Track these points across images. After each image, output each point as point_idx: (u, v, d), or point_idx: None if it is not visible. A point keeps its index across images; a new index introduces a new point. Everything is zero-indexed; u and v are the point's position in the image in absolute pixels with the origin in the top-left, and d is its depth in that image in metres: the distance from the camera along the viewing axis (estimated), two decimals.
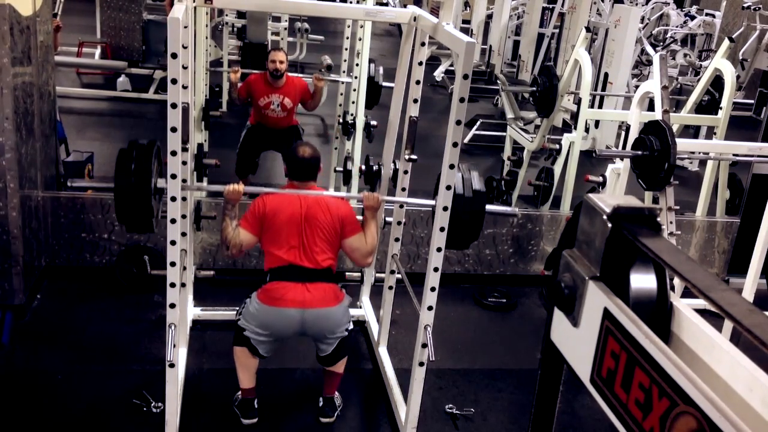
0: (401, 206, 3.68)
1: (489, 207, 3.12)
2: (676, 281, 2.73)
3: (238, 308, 3.26)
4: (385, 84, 5.34)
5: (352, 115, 5.40)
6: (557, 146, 5.71)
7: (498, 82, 8.57)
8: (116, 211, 2.93)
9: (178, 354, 3.21)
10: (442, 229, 2.89)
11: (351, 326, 3.25)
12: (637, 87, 5.40)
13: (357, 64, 5.25)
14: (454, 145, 2.74)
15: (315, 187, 3.24)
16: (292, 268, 3.07)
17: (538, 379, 1.16)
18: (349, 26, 5.58)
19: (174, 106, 2.57)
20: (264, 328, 3.11)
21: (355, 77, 5.32)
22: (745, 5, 10.20)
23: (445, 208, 2.85)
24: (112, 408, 3.35)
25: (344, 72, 5.96)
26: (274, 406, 3.44)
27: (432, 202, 3.02)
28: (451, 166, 2.78)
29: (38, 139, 4.11)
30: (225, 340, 3.90)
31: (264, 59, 5.40)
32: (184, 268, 3.41)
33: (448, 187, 2.82)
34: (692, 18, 11.52)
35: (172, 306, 2.76)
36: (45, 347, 3.76)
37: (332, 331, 3.14)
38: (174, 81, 2.55)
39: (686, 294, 3.81)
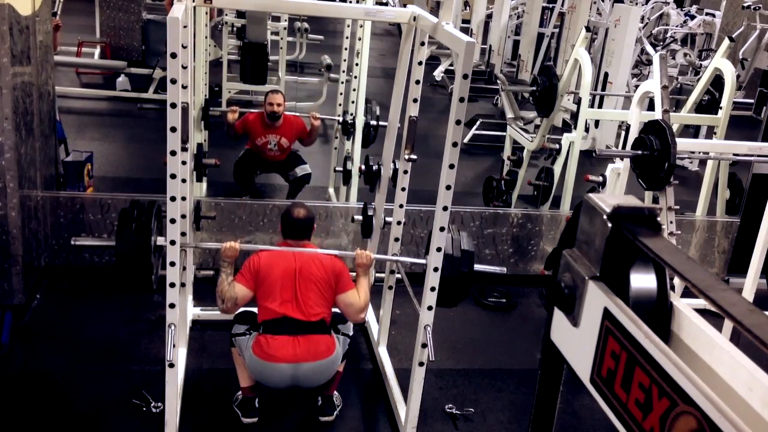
0: (401, 206, 3.68)
1: (478, 267, 3.17)
2: (676, 281, 2.73)
3: (232, 330, 3.28)
4: (382, 123, 5.29)
5: (351, 114, 5.39)
6: (557, 146, 5.71)
7: (498, 81, 8.57)
8: (116, 270, 2.97)
9: (178, 354, 3.21)
10: (442, 229, 2.88)
11: (351, 331, 3.33)
12: (637, 87, 5.40)
13: (357, 64, 5.24)
14: (454, 144, 2.74)
15: (309, 244, 3.30)
16: (284, 321, 3.10)
17: (538, 379, 1.16)
18: (348, 26, 5.57)
19: (174, 105, 2.57)
20: (257, 378, 3.19)
21: (355, 77, 5.31)
22: (745, 5, 10.19)
23: (444, 208, 2.85)
24: (112, 408, 3.35)
25: (344, 72, 5.95)
26: (274, 405, 3.44)
27: (423, 261, 3.10)
28: (451, 166, 2.78)
29: (37, 139, 4.11)
30: (224, 340, 3.90)
31: (264, 59, 5.42)
32: (184, 268, 3.42)
33: (448, 187, 2.82)
34: (692, 17, 11.52)
35: (172, 306, 2.76)
36: (44, 347, 3.76)
37: (326, 379, 3.23)
38: (173, 81, 2.55)
39: (686, 294, 3.81)
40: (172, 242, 2.71)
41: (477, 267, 3.16)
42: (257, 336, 3.14)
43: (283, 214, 3.33)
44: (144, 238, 2.92)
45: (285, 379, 3.11)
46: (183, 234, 3.16)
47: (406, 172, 3.55)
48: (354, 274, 3.31)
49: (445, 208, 2.85)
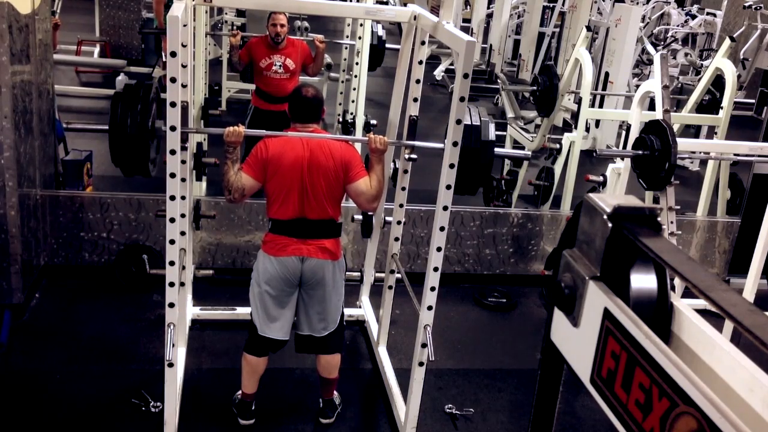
0: (401, 206, 3.68)
1: (498, 150, 3.05)
2: (677, 281, 2.73)
3: (250, 311, 3.23)
4: (389, 46, 5.29)
5: (351, 114, 5.39)
6: (558, 146, 5.71)
7: (498, 81, 8.56)
8: (111, 153, 2.86)
9: (177, 353, 3.20)
10: (441, 229, 2.88)
11: (342, 309, 3.24)
12: (637, 86, 5.40)
13: (357, 63, 5.24)
14: (454, 144, 2.73)
15: (318, 129, 3.15)
16: (294, 222, 3.04)
17: (538, 379, 1.15)
18: (349, 25, 5.57)
19: (173, 104, 2.57)
20: (270, 277, 3.08)
21: (355, 76, 5.31)
22: (747, 4, 10.19)
23: (444, 208, 2.85)
24: (111, 408, 3.34)
25: (344, 71, 5.95)
26: (274, 406, 3.44)
27: (441, 146, 2.91)
28: (451, 166, 2.77)
29: (37, 138, 4.10)
30: (224, 340, 3.91)
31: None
32: (183, 268, 3.41)
33: (449, 187, 2.82)
34: (693, 17, 11.52)
35: (171, 305, 2.76)
36: (43, 346, 3.75)
37: (324, 280, 3.11)
38: (173, 80, 2.55)
39: (687, 294, 3.80)
40: (172, 242, 2.70)
41: (498, 150, 3.04)
42: (267, 236, 3.11)
43: (291, 95, 3.17)
44: (141, 120, 2.76)
45: (295, 271, 3.06)
46: (183, 233, 3.15)
47: (406, 171, 3.55)
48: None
49: (445, 208, 2.85)
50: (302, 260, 3.07)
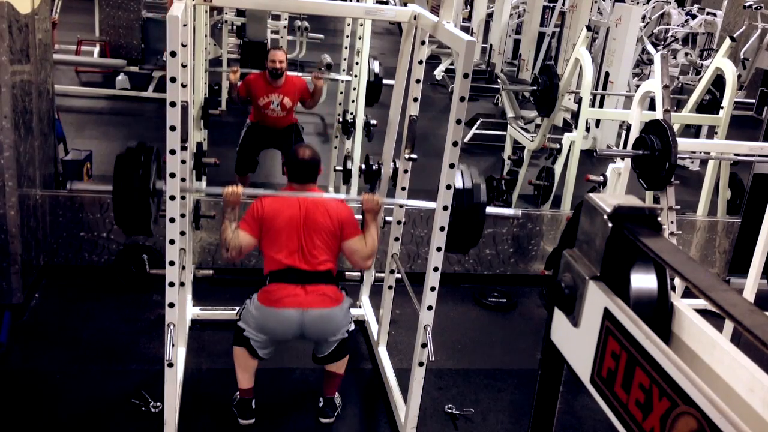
0: (401, 206, 3.67)
1: (490, 209, 3.09)
2: (677, 281, 2.72)
3: (238, 308, 3.25)
4: (385, 82, 5.33)
5: (351, 114, 5.39)
6: (558, 145, 5.71)
7: (498, 81, 8.56)
8: (114, 213, 2.91)
9: (177, 353, 3.19)
10: (442, 229, 2.88)
11: (351, 327, 3.24)
12: (638, 86, 5.39)
13: (357, 63, 5.24)
14: (455, 144, 2.73)
15: (315, 188, 3.22)
16: (291, 271, 3.05)
17: (538, 379, 1.15)
18: (349, 25, 5.57)
19: (173, 104, 2.57)
20: (263, 331, 3.10)
21: (355, 76, 5.31)
22: (747, 4, 10.20)
23: (445, 208, 2.85)
24: (111, 408, 3.34)
25: (344, 71, 5.95)
26: (274, 406, 3.44)
27: (432, 205, 2.99)
28: (452, 166, 2.77)
29: (37, 138, 4.10)
30: (224, 340, 3.90)
31: (263, 58, 5.40)
32: (183, 268, 3.41)
33: (449, 187, 2.81)
34: (693, 17, 11.53)
35: (171, 305, 2.75)
36: (43, 346, 3.75)
37: (333, 333, 3.13)
38: (173, 79, 2.54)
39: (687, 294, 3.80)
40: (172, 242, 2.70)
41: (489, 210, 3.07)
42: (264, 287, 3.09)
43: (288, 155, 3.23)
44: (143, 182, 2.80)
45: (292, 326, 3.03)
46: (182, 233, 3.15)
47: (406, 171, 3.55)
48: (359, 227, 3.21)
49: (445, 208, 2.84)
50: (302, 313, 3.03)
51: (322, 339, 3.14)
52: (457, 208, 2.93)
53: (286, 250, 3.05)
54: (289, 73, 5.31)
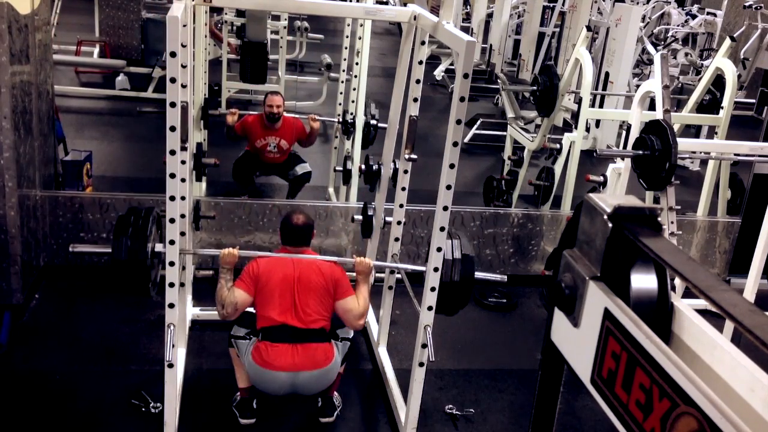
0: (401, 206, 3.67)
1: (478, 274, 3.14)
2: (677, 281, 2.72)
3: (233, 334, 3.27)
4: (381, 125, 5.29)
5: (351, 114, 5.39)
6: (558, 146, 5.70)
7: (498, 81, 8.56)
8: (112, 278, 2.94)
9: (177, 354, 3.20)
10: (442, 229, 2.88)
11: (351, 333, 3.32)
12: (638, 86, 5.39)
13: (357, 63, 5.23)
14: (454, 144, 2.73)
15: (308, 251, 3.31)
16: (283, 329, 3.10)
17: (538, 379, 1.15)
18: (348, 25, 5.56)
19: (173, 105, 2.56)
20: (256, 384, 3.19)
21: (355, 76, 5.30)
22: (747, 4, 10.19)
23: (445, 208, 2.84)
24: (111, 408, 3.34)
25: (344, 71, 5.95)
26: (274, 406, 3.43)
27: (423, 269, 3.05)
28: (451, 166, 2.77)
29: (36, 138, 4.10)
30: (224, 340, 3.89)
31: (264, 58, 5.41)
32: (183, 268, 3.41)
33: (449, 187, 2.81)
34: (693, 17, 11.53)
35: (171, 306, 2.76)
36: (43, 347, 3.75)
37: (325, 386, 3.23)
38: (173, 80, 2.54)
39: (687, 294, 3.80)
40: (171, 242, 2.70)
41: (478, 275, 3.14)
42: (256, 343, 3.14)
43: (282, 220, 3.33)
44: (141, 245, 2.88)
45: (284, 387, 3.11)
46: (182, 234, 3.15)
47: (406, 171, 3.55)
48: (353, 282, 3.29)
49: (445, 208, 2.84)
50: (294, 375, 3.09)
51: (314, 391, 3.21)
52: (448, 278, 3.00)
53: (280, 307, 3.11)
54: (287, 114, 5.44)
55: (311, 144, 5.65)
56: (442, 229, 2.87)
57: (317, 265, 3.20)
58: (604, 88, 7.65)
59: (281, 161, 5.49)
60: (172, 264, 2.73)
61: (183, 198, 3.21)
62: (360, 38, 5.15)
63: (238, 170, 5.47)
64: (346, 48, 5.77)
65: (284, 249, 3.28)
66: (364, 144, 5.26)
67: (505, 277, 3.35)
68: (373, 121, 5.13)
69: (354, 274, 3.30)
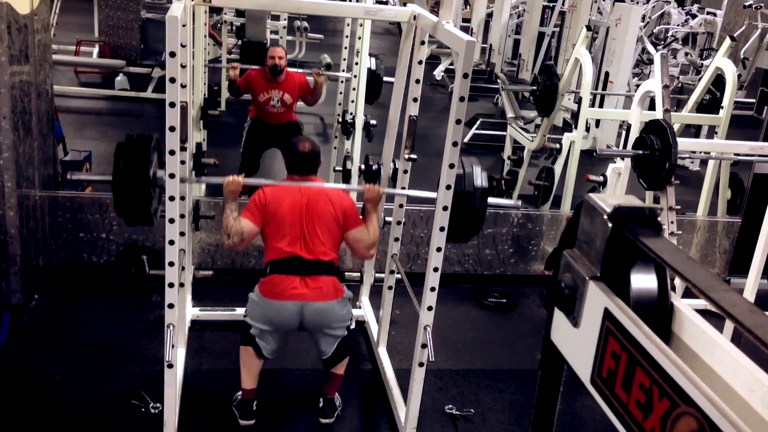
0: (401, 206, 3.67)
1: (491, 200, 3.08)
2: (677, 281, 2.72)
3: (245, 307, 3.23)
4: (386, 79, 5.32)
5: (351, 114, 5.39)
6: (558, 145, 5.71)
7: (498, 81, 8.56)
8: (114, 202, 2.90)
9: (177, 354, 3.19)
10: (442, 229, 2.87)
11: (352, 325, 3.24)
12: (637, 86, 5.39)
13: (356, 63, 5.24)
14: (454, 144, 2.73)
15: (316, 179, 3.21)
16: (293, 261, 3.04)
17: (538, 379, 1.15)
18: (348, 25, 5.56)
19: (172, 105, 2.56)
20: (267, 321, 3.09)
21: (355, 76, 5.30)
22: (747, 4, 10.20)
23: (444, 208, 2.84)
24: (110, 409, 3.34)
25: (344, 71, 5.95)
26: (274, 407, 3.43)
27: (434, 195, 2.97)
28: (451, 166, 2.77)
29: (36, 138, 4.10)
30: (224, 341, 3.90)
31: (263, 57, 5.39)
32: (183, 268, 3.40)
33: (449, 187, 2.81)
34: (693, 17, 11.53)
35: (171, 306, 2.75)
36: (42, 347, 3.75)
37: (330, 325, 3.12)
38: (172, 80, 2.54)
39: (687, 294, 3.80)
40: (171, 242, 2.70)
41: (491, 200, 3.06)
42: (265, 278, 3.09)
43: (288, 148, 3.22)
44: (142, 169, 2.80)
45: (293, 317, 3.04)
46: (182, 234, 3.15)
47: (406, 171, 3.54)
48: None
49: (445, 208, 2.84)
50: (302, 306, 3.04)
51: (319, 330, 3.13)
52: (459, 193, 2.91)
53: (289, 237, 3.05)
54: (290, 69, 5.28)
55: (315, 101, 5.47)
56: (442, 229, 2.87)
57: (326, 194, 3.12)
58: (604, 88, 7.65)
59: (284, 120, 5.30)
60: (171, 264, 2.72)
61: (182, 198, 3.21)
62: (360, 38, 5.15)
63: (247, 150, 5.32)
64: (345, 48, 5.77)
65: (291, 178, 3.17)
66: (369, 99, 5.20)
67: (519, 202, 3.26)
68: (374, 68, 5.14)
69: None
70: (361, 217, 3.20)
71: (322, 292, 3.06)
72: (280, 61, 5.09)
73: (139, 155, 2.84)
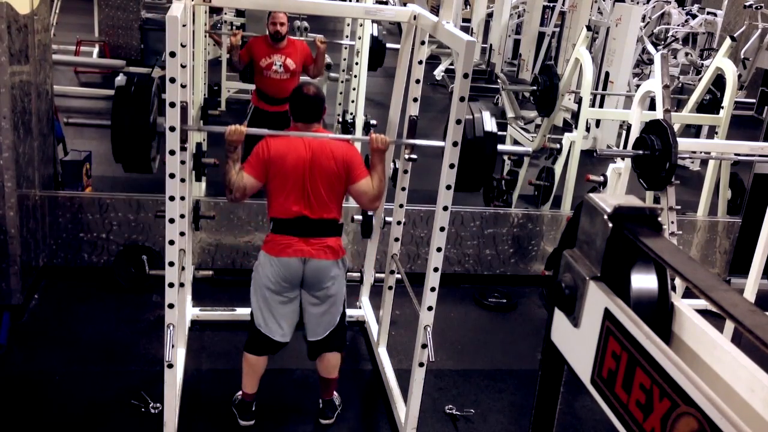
0: (401, 206, 3.67)
1: (501, 147, 3.03)
2: (677, 281, 2.72)
3: (250, 312, 3.21)
4: (389, 45, 5.30)
5: (351, 114, 5.39)
6: (558, 146, 5.70)
7: (498, 81, 8.56)
8: (113, 149, 2.85)
9: (177, 354, 3.19)
10: (442, 229, 2.87)
11: (344, 297, 3.21)
12: (638, 86, 5.39)
13: (356, 63, 5.23)
14: (454, 144, 2.73)
15: (320, 129, 3.13)
16: (296, 220, 3.03)
17: (538, 379, 1.15)
18: (348, 25, 5.56)
19: (172, 105, 2.56)
20: (277, 278, 3.06)
21: (355, 76, 5.30)
22: (747, 4, 10.20)
23: (445, 208, 2.84)
24: (110, 409, 3.34)
25: (344, 71, 5.95)
26: (274, 407, 3.43)
27: (442, 143, 2.87)
28: (452, 166, 2.76)
29: (36, 138, 4.10)
30: (224, 341, 3.91)
31: None
32: (183, 268, 3.40)
33: (449, 187, 2.81)
34: (694, 17, 11.53)
35: (171, 306, 2.75)
36: (42, 348, 3.75)
37: (325, 281, 3.10)
38: (172, 80, 2.54)
39: (687, 294, 3.80)
40: (171, 242, 2.70)
41: (501, 147, 3.01)
42: (268, 236, 3.09)
43: (292, 94, 3.12)
44: (142, 118, 2.75)
45: (297, 274, 3.04)
46: (182, 234, 3.14)
47: (406, 171, 3.54)
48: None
49: (445, 208, 2.84)
50: (304, 261, 3.05)
51: (314, 289, 3.11)
52: (467, 138, 2.86)
53: (294, 195, 3.01)
54: (291, 37, 5.18)
55: (319, 72, 5.32)
56: (442, 229, 2.87)
57: (330, 148, 3.03)
58: (605, 88, 7.64)
59: (288, 90, 5.17)
60: (171, 264, 2.72)
61: (183, 198, 3.21)
62: (360, 38, 5.15)
63: (249, 141, 5.25)
64: (345, 48, 5.77)
65: (294, 127, 3.10)
66: (371, 65, 5.15)
67: (530, 149, 3.18)
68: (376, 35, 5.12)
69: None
70: (367, 168, 3.13)
71: (324, 250, 3.06)
72: (282, 27, 5.00)
73: (139, 99, 2.78)
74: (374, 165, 3.09)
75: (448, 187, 2.81)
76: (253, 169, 3.00)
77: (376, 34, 5.21)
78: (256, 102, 5.25)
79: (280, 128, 5.16)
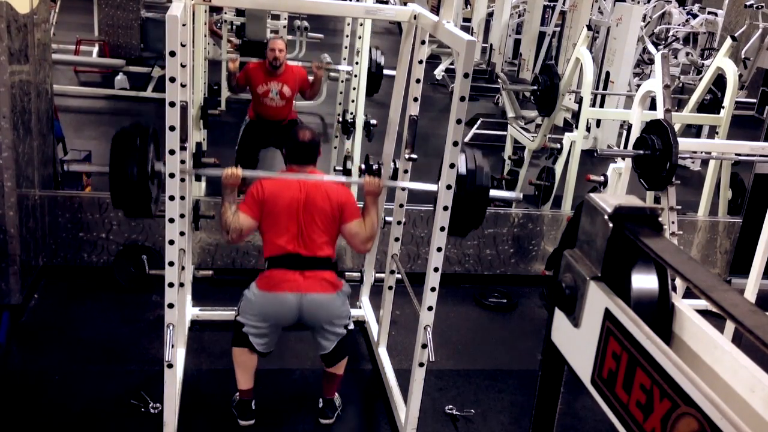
0: (401, 206, 3.67)
1: (493, 192, 3.04)
2: (678, 282, 2.72)
3: (237, 307, 3.23)
4: (386, 72, 5.32)
5: (351, 113, 5.38)
6: (558, 145, 5.70)
7: (499, 80, 8.55)
8: (111, 196, 2.88)
9: (177, 354, 3.19)
10: (442, 229, 2.87)
11: (351, 325, 3.23)
12: (638, 86, 5.39)
13: (357, 63, 5.23)
14: (455, 144, 2.72)
15: (315, 170, 3.18)
16: (290, 257, 3.04)
17: (538, 380, 1.15)
18: (348, 24, 5.56)
19: (172, 104, 2.56)
20: (263, 317, 3.08)
21: (355, 76, 5.30)
22: (748, 4, 10.20)
23: (445, 208, 2.84)
24: (110, 408, 3.33)
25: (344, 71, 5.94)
26: (274, 407, 3.43)
27: (434, 187, 2.93)
28: (452, 166, 2.76)
29: (35, 138, 4.10)
30: (224, 340, 3.89)
31: (263, 55, 5.38)
32: (183, 268, 3.40)
33: (449, 186, 2.81)
34: (694, 16, 11.53)
35: (171, 306, 2.75)
36: (42, 347, 3.74)
37: (329, 320, 3.11)
38: (172, 79, 2.54)
39: (688, 294, 3.80)
40: (171, 242, 2.70)
41: (492, 193, 3.02)
42: (263, 272, 3.09)
43: (289, 137, 3.20)
44: (141, 164, 2.77)
45: (291, 310, 3.03)
46: (182, 233, 3.14)
47: (406, 171, 3.54)
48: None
49: (445, 208, 2.84)
50: (300, 297, 3.04)
51: (318, 325, 3.12)
52: (460, 191, 2.89)
53: (287, 234, 3.04)
54: (289, 62, 5.24)
55: (315, 95, 5.42)
56: (442, 229, 2.87)
57: (324, 189, 3.09)
58: (605, 88, 7.64)
59: (283, 116, 5.25)
60: (171, 264, 2.72)
61: (183, 198, 3.21)
62: (360, 38, 5.14)
63: (242, 149, 5.28)
64: (346, 47, 5.76)
65: (290, 168, 3.16)
66: (369, 92, 5.20)
67: (521, 195, 3.22)
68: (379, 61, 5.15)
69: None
70: (360, 210, 3.18)
71: (321, 283, 3.06)
72: (280, 54, 5.06)
73: (137, 147, 2.79)
74: (368, 207, 3.15)
75: (449, 187, 2.80)
76: (249, 209, 3.06)
77: (380, 60, 5.24)
78: (252, 115, 5.35)
79: (275, 138, 5.25)
